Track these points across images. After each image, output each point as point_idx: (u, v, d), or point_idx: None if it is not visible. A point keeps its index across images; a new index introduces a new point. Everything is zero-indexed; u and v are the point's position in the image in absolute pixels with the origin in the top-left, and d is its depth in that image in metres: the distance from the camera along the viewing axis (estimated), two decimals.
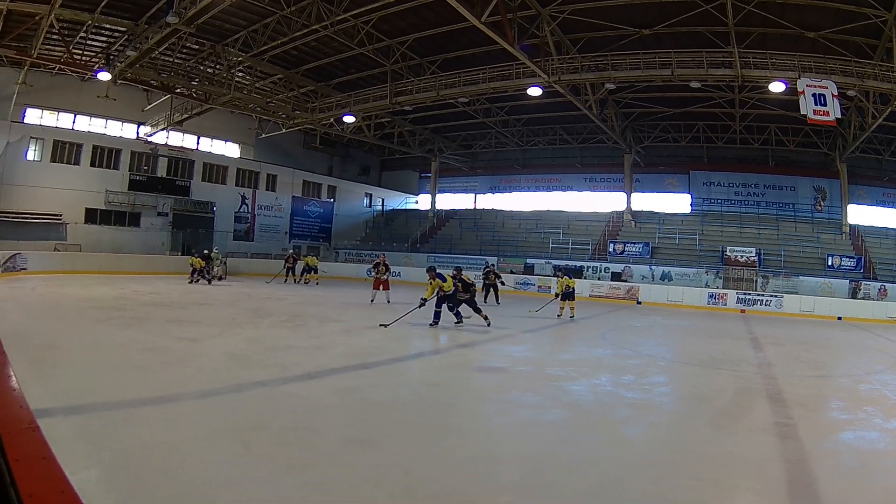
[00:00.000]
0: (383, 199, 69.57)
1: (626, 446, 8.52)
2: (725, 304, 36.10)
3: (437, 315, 19.80)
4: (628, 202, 50.93)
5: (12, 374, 4.63)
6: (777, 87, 29.26)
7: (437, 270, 20.46)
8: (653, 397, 12.09)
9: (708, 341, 21.25)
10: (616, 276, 43.33)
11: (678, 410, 11.16)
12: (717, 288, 39.08)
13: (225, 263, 41.29)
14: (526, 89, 33.98)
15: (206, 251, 37.20)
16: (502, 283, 33.45)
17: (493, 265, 35.24)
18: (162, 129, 47.66)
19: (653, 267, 43.09)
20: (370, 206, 68.34)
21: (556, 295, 26.87)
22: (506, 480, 7.03)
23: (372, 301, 27.68)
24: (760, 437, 8.95)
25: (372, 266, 29.97)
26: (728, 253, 42.54)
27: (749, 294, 36.64)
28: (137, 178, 47.62)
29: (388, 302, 27.35)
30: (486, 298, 30.54)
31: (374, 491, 6.51)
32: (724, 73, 29.43)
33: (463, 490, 6.66)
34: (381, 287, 28.39)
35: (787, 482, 7.25)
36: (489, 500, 6.46)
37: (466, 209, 64.22)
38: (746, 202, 49.70)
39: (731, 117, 43.24)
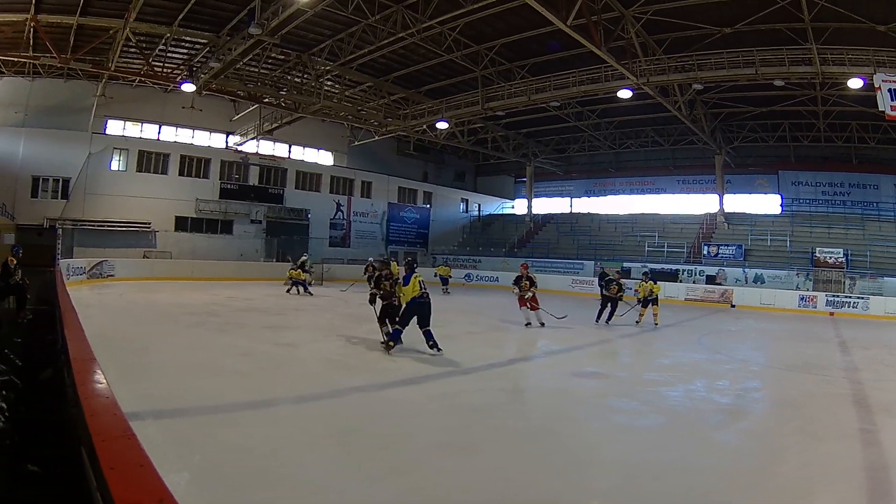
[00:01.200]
0: (479, 205, 69.63)
1: (718, 454, 8.50)
2: (815, 307, 35.36)
3: (398, 334, 15.36)
4: (721, 203, 50.26)
5: (104, 380, 4.57)
6: (855, 83, 28.60)
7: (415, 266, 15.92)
8: (745, 403, 12.03)
9: (799, 345, 20.95)
10: (711, 279, 42.84)
11: (769, 416, 11.07)
12: (808, 290, 38.35)
13: (312, 270, 40.81)
14: (616, 92, 33.89)
15: (288, 258, 37.21)
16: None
17: (617, 271, 30.26)
18: (252, 139, 48.32)
19: (746, 269, 42.40)
20: (466, 212, 68.66)
21: (638, 300, 25.08)
22: (599, 487, 7.05)
23: (527, 324, 21.86)
24: (845, 444, 8.91)
25: (513, 280, 23.20)
26: (817, 254, 41.65)
27: (837, 296, 35.82)
28: (228, 186, 48.60)
29: (543, 325, 21.81)
30: (598, 317, 24.29)
31: (471, 497, 6.53)
32: (804, 70, 28.90)
33: (557, 496, 6.66)
34: (527, 305, 22.06)
35: (867, 490, 7.21)
36: None
37: (562, 213, 63.88)
38: (833, 202, 48.49)
39: (814, 115, 42.52)
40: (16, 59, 36.10)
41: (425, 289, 15.54)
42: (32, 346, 12.36)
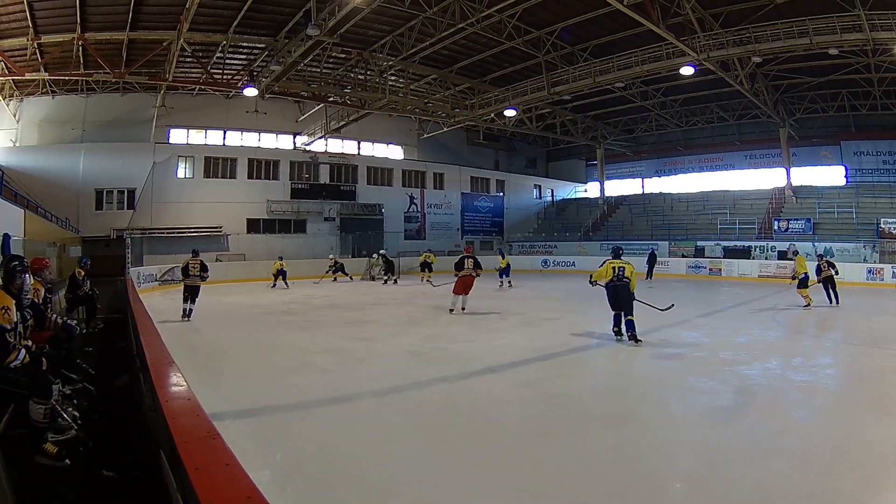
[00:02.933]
0: (552, 190, 69.31)
1: (795, 434, 8.42)
2: (882, 280, 34.58)
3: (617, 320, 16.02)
4: (788, 177, 49.67)
5: (184, 383, 4.61)
6: None
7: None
8: (819, 380, 11.94)
9: (868, 319, 20.60)
10: (782, 255, 41.45)
11: (842, 393, 11.03)
12: (875, 262, 37.44)
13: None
14: (678, 69, 33.88)
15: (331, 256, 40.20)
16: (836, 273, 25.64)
17: (820, 255, 28.21)
18: (320, 138, 48.76)
19: (815, 243, 41.22)
20: (540, 198, 68.38)
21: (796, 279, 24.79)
22: (682, 472, 7.04)
23: (451, 310, 21.70)
24: None
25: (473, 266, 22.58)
26: (882, 225, 40.86)
27: None
28: (299, 186, 49.32)
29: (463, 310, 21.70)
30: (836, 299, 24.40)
31: (558, 485, 6.56)
32: (856, 37, 28.52)
33: (640, 482, 6.69)
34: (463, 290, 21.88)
35: None
36: (669, 493, 6.50)
37: (635, 194, 63.66)
38: (894, 171, 47.66)
39: (869, 83, 42.00)
40: (67, 78, 36.76)
41: (619, 273, 15.66)
42: (105, 354, 12.53)
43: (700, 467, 7.09)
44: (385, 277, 38.51)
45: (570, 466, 7.08)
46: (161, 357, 6.12)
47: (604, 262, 16.15)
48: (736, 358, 13.68)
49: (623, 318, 15.60)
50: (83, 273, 17.32)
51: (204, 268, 20.97)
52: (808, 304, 23.62)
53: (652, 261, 40.39)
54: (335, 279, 39.26)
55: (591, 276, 16.55)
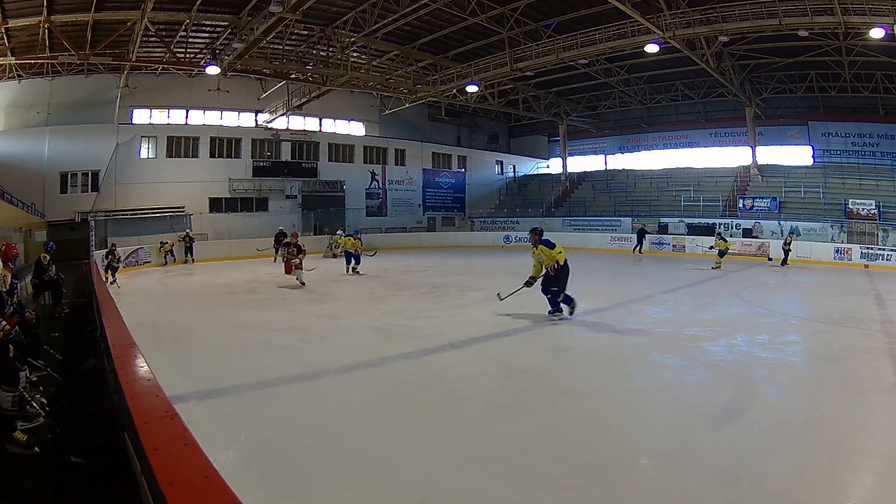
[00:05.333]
0: (514, 166, 69.23)
1: (764, 409, 8.52)
2: (850, 259, 34.82)
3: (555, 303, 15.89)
4: (753, 156, 49.66)
5: (146, 364, 4.61)
6: (877, 32, 28.35)
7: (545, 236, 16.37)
8: (786, 357, 11.99)
9: (836, 298, 20.71)
10: (747, 233, 42.58)
11: (811, 371, 11.11)
12: (842, 242, 37.76)
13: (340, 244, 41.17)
14: (643, 47, 33.74)
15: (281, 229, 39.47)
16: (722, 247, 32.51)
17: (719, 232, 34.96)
18: (281, 115, 48.55)
19: (781, 222, 41.89)
20: (502, 174, 68.37)
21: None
22: (650, 445, 7.05)
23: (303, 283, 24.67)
24: (885, 398, 8.98)
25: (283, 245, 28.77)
26: (850, 206, 40.97)
27: (871, 248, 35.16)
28: (261, 164, 49.10)
29: (303, 284, 24.60)
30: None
31: (526, 459, 6.57)
32: (827, 20, 28.58)
33: (609, 456, 6.74)
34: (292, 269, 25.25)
35: None
36: (637, 466, 6.53)
37: (598, 171, 63.26)
38: (863, 153, 47.72)
39: (839, 65, 41.92)
40: (33, 62, 36.50)
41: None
42: (72, 338, 12.47)
43: (667, 441, 7.15)
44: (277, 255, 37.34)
45: (535, 440, 7.14)
46: (122, 339, 6.11)
47: (554, 245, 15.64)
48: (700, 334, 13.81)
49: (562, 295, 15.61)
50: (48, 258, 17.18)
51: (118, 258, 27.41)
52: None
53: (641, 235, 41.79)
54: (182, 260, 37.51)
55: (554, 263, 15.44)
